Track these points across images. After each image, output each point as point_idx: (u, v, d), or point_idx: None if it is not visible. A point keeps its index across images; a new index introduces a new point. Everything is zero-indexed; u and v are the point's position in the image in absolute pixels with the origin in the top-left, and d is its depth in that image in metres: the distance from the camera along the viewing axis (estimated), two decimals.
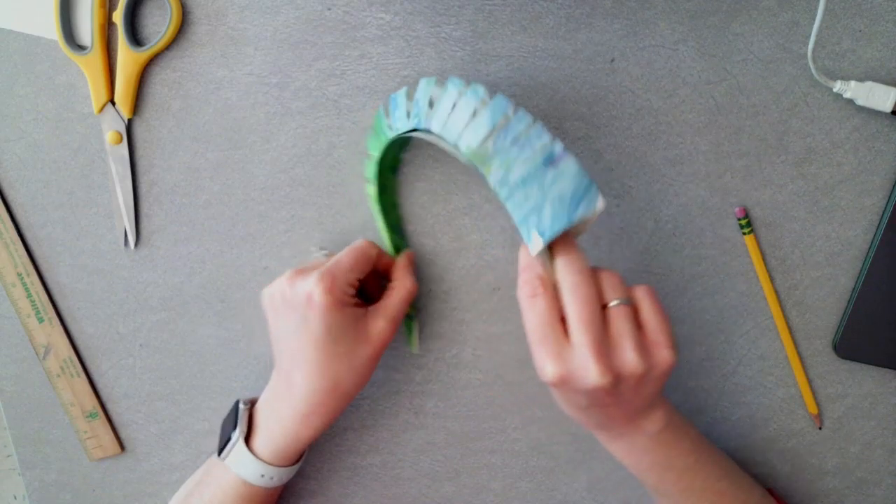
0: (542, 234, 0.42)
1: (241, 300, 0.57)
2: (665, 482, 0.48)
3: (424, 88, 0.47)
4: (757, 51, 0.53)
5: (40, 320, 0.57)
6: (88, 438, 0.58)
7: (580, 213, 0.42)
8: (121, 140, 0.55)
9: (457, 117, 0.44)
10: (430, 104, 0.46)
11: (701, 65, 0.53)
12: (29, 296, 0.57)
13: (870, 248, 0.53)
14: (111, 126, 0.55)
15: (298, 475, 0.58)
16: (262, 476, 0.50)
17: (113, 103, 0.55)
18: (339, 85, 0.54)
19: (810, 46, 0.50)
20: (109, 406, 0.58)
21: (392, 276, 0.53)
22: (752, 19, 0.53)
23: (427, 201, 0.55)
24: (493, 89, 0.53)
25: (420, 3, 0.54)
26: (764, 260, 0.54)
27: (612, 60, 0.54)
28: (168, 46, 0.54)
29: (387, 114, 0.49)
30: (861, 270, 0.53)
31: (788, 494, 0.57)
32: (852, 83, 0.51)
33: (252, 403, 0.52)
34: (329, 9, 0.54)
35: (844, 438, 0.56)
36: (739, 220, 0.54)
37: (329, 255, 0.54)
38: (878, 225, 0.53)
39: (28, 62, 0.55)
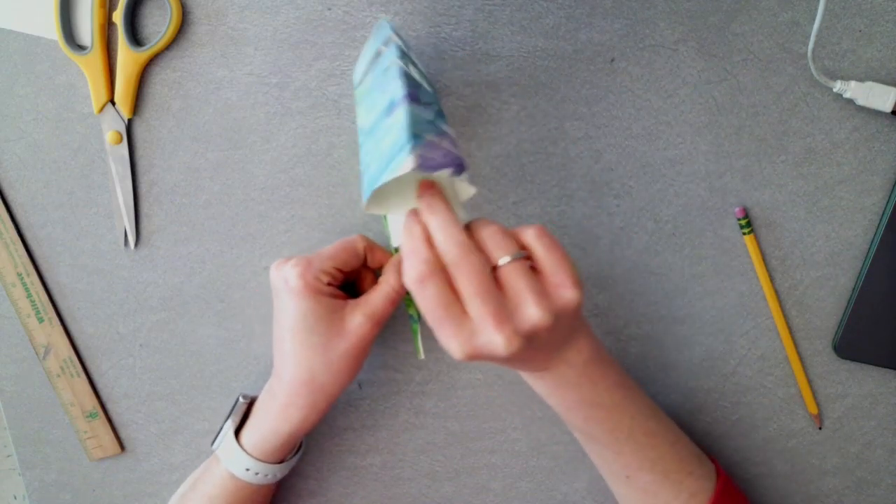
0: (363, 196, 0.37)
1: (241, 300, 0.57)
2: (592, 421, 0.46)
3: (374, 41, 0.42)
4: (757, 51, 0.53)
5: (40, 320, 0.57)
6: (88, 438, 0.58)
7: (386, 175, 0.37)
8: (121, 140, 0.55)
9: (363, 59, 0.39)
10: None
11: (701, 65, 0.53)
12: (29, 296, 0.57)
13: (870, 248, 0.53)
14: (111, 126, 0.55)
15: (298, 475, 0.58)
16: (248, 470, 0.50)
17: (113, 103, 0.55)
18: (339, 85, 0.54)
19: (810, 46, 0.50)
20: (109, 406, 0.58)
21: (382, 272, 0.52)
22: (752, 19, 0.53)
23: None
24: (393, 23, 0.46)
25: (420, 3, 0.54)
26: (764, 260, 0.54)
27: (612, 60, 0.54)
28: (168, 46, 0.54)
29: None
30: (861, 270, 0.53)
31: (788, 494, 0.57)
32: (852, 83, 0.51)
33: (252, 400, 0.53)
34: (329, 9, 0.54)
35: (844, 438, 0.56)
36: (739, 220, 0.54)
37: None
38: (878, 225, 0.53)
39: (28, 62, 0.55)
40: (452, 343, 0.39)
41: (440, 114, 0.41)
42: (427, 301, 0.39)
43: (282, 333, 0.49)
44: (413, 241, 0.40)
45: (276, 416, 0.50)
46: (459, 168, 0.39)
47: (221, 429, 0.52)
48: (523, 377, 0.47)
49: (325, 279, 0.48)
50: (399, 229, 0.44)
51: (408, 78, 0.38)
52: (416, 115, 0.37)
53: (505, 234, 0.40)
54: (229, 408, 0.56)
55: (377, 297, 0.49)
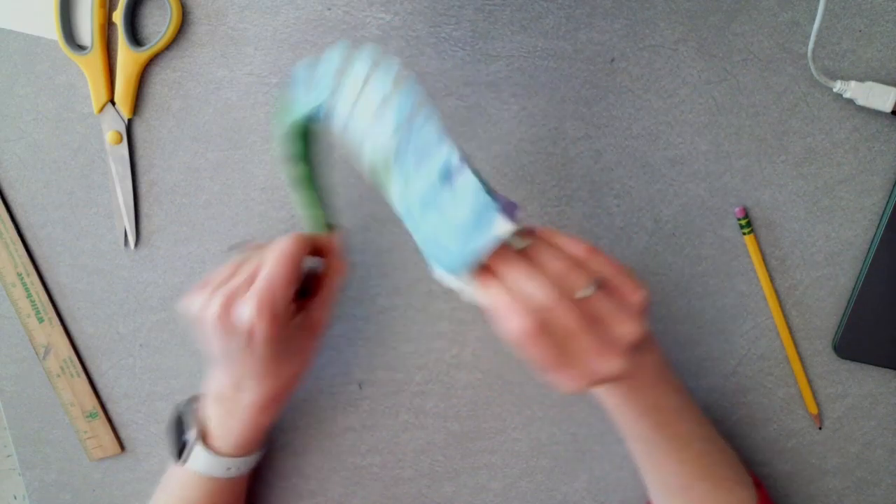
0: (449, 271, 0.37)
1: None
2: (659, 427, 0.47)
3: (333, 58, 0.39)
4: (757, 51, 0.53)
5: (40, 320, 0.57)
6: (88, 438, 0.58)
7: (478, 244, 0.36)
8: (121, 140, 0.55)
9: (364, 102, 0.37)
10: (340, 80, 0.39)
11: (701, 65, 0.53)
12: (29, 296, 0.57)
13: (870, 248, 0.53)
14: (111, 126, 0.55)
15: (298, 475, 0.58)
16: (229, 469, 0.50)
17: (113, 103, 0.55)
18: None
19: (810, 46, 0.50)
20: (109, 406, 0.58)
21: (325, 260, 0.50)
22: (752, 19, 0.53)
23: None
24: (404, 70, 0.45)
25: (420, 3, 0.54)
26: (764, 260, 0.54)
27: (612, 60, 0.54)
28: (168, 46, 0.54)
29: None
30: (861, 270, 0.53)
31: (788, 494, 0.57)
32: (852, 83, 0.51)
33: (193, 403, 0.51)
34: (329, 9, 0.54)
35: (844, 438, 0.56)
36: (739, 220, 0.54)
37: (241, 250, 0.48)
38: (878, 225, 0.53)
39: (28, 62, 0.55)
40: (571, 383, 0.40)
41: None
42: (539, 353, 0.40)
43: (245, 368, 0.47)
44: (503, 299, 0.39)
45: (256, 414, 0.49)
46: (515, 208, 0.39)
47: (183, 443, 0.50)
48: (597, 395, 0.48)
49: (292, 307, 0.47)
50: (466, 287, 0.41)
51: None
52: (477, 175, 0.37)
53: (572, 264, 0.41)
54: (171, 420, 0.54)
55: (330, 291, 0.50)
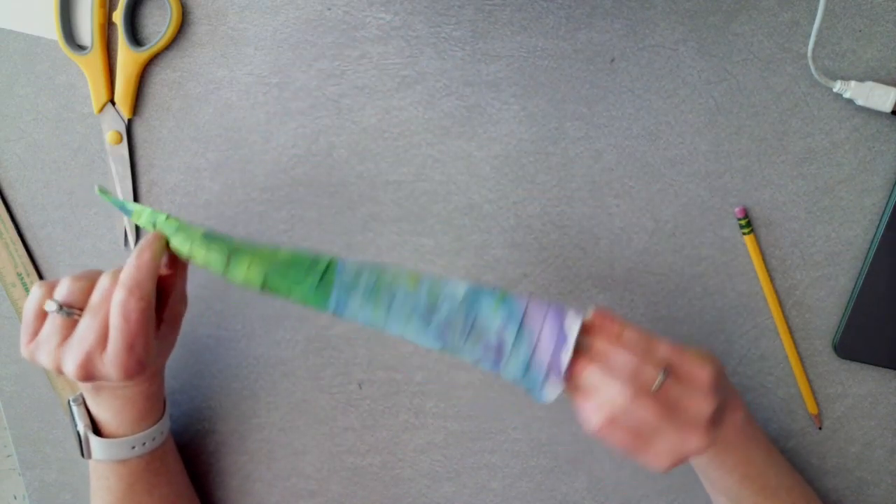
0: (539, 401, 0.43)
1: (240, 300, 0.57)
2: (746, 481, 0.48)
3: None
4: (757, 51, 0.53)
5: None
6: None
7: (543, 398, 0.43)
8: (121, 140, 0.55)
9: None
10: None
11: (701, 65, 0.53)
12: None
13: (870, 248, 0.53)
14: (111, 126, 0.55)
15: (298, 475, 0.58)
16: (133, 447, 0.49)
17: (113, 103, 0.55)
18: (339, 85, 0.55)
19: (810, 46, 0.50)
20: None
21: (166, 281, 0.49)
22: (752, 19, 0.53)
23: (427, 201, 0.55)
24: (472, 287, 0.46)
25: (420, 3, 0.54)
26: (764, 260, 0.54)
27: (612, 60, 0.54)
28: (168, 46, 0.54)
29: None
30: (861, 270, 0.53)
31: None
32: (852, 83, 0.51)
33: (81, 397, 0.50)
34: (329, 9, 0.54)
35: (844, 438, 0.56)
36: (739, 220, 0.54)
37: (65, 311, 0.45)
38: (878, 225, 0.53)
39: (28, 62, 0.55)
40: (657, 462, 0.42)
41: (504, 300, 0.43)
42: (619, 443, 0.42)
43: (103, 395, 0.48)
44: (585, 406, 0.42)
45: (133, 399, 0.48)
46: (562, 314, 0.43)
47: (79, 439, 0.49)
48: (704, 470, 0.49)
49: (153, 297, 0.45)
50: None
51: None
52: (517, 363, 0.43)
53: (639, 357, 0.42)
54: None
55: (172, 300, 0.49)
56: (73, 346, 0.44)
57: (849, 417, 0.55)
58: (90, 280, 0.45)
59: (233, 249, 0.44)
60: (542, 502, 0.57)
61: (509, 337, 0.42)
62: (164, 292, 0.48)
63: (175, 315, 0.50)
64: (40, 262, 0.57)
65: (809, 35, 0.52)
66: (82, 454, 0.49)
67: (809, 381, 0.55)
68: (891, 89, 0.51)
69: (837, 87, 0.51)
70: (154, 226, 0.46)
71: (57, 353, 0.44)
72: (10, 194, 0.56)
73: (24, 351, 0.45)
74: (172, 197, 0.56)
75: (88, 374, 0.44)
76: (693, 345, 0.56)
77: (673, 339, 0.55)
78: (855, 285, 0.54)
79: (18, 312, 0.57)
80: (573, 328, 0.42)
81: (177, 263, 0.48)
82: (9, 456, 1.37)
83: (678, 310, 0.55)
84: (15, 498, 1.38)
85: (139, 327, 0.43)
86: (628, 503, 0.57)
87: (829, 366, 0.55)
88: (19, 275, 0.56)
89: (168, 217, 0.46)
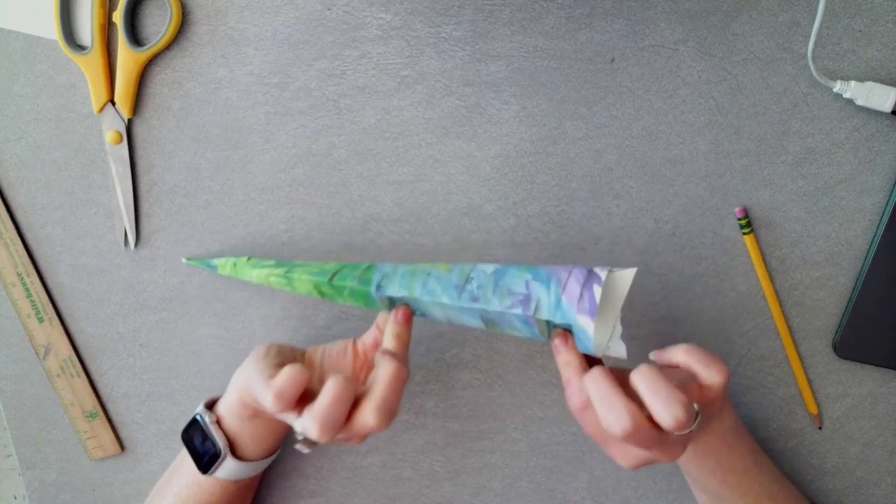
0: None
1: (241, 300, 0.57)
2: (725, 485, 0.49)
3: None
4: (757, 51, 0.53)
5: (40, 320, 0.57)
6: (88, 438, 0.58)
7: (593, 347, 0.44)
8: (121, 140, 0.55)
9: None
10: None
11: (701, 65, 0.53)
12: (29, 296, 0.57)
13: (870, 248, 0.53)
14: (111, 126, 0.55)
15: (298, 475, 0.58)
16: (255, 470, 0.51)
17: (113, 103, 0.55)
18: (339, 85, 0.55)
19: (810, 46, 0.50)
20: (109, 406, 0.58)
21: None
22: (752, 19, 0.53)
23: (427, 201, 0.55)
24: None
25: (420, 3, 0.54)
26: (764, 260, 0.54)
27: (612, 60, 0.54)
28: (168, 46, 0.54)
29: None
30: (861, 270, 0.53)
31: None
32: (852, 83, 0.51)
33: (211, 408, 0.50)
34: (329, 9, 0.54)
35: (844, 438, 0.56)
36: (739, 220, 0.54)
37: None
38: (878, 225, 0.53)
39: (28, 62, 0.55)
40: (622, 461, 0.43)
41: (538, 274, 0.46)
42: (592, 429, 0.43)
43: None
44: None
45: (279, 431, 0.50)
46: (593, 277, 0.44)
47: (212, 455, 0.48)
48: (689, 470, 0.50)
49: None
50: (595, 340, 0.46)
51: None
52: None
53: (664, 380, 0.41)
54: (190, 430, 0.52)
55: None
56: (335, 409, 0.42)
57: (849, 417, 0.55)
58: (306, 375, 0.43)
59: (290, 268, 0.51)
60: (542, 502, 0.57)
61: (537, 285, 0.44)
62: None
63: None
64: (40, 262, 0.57)
65: (809, 35, 0.52)
66: (204, 471, 0.49)
67: (809, 381, 0.55)
68: (891, 89, 0.51)
69: (837, 87, 0.51)
70: (235, 265, 0.53)
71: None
72: (10, 194, 0.56)
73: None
74: (172, 197, 0.56)
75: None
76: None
77: (683, 338, 0.54)
78: (855, 285, 0.54)
79: (18, 312, 0.57)
80: (602, 273, 0.44)
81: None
82: (9, 456, 1.37)
83: (678, 310, 0.55)
84: (15, 498, 1.38)
85: (399, 390, 0.43)
86: (628, 503, 0.57)
87: (829, 366, 0.55)
88: (19, 275, 0.56)
89: (248, 258, 0.54)
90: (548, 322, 0.44)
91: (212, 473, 0.49)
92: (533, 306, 0.44)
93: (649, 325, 0.55)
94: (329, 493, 0.58)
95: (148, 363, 0.58)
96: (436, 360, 0.57)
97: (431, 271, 0.47)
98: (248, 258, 0.54)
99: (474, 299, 0.45)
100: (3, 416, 0.58)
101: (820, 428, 0.56)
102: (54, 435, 0.58)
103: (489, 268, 0.47)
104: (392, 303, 0.48)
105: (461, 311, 0.46)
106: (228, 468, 0.49)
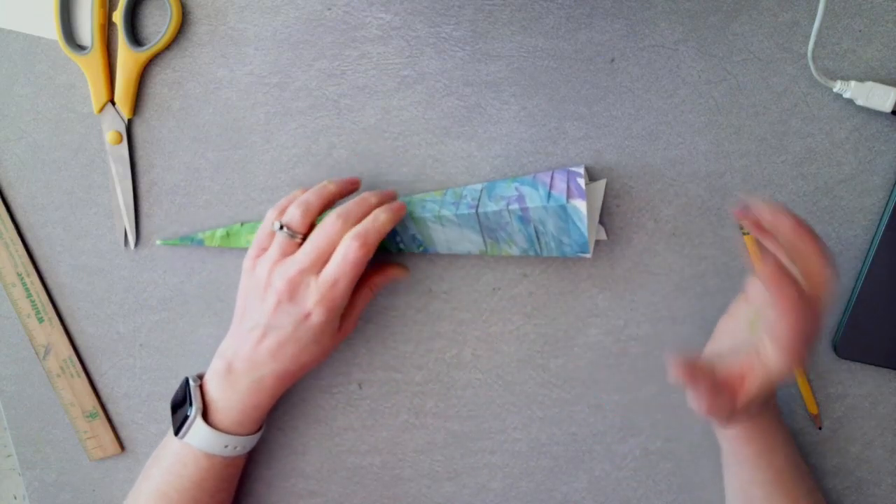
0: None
1: None
2: (761, 471, 0.50)
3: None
4: (757, 51, 0.53)
5: (40, 320, 0.57)
6: (88, 438, 0.58)
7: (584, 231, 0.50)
8: (121, 140, 0.55)
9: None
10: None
11: (701, 65, 0.53)
12: (29, 296, 0.57)
13: (870, 248, 0.53)
14: (111, 126, 0.55)
15: (298, 475, 0.58)
16: (226, 447, 0.50)
17: (113, 103, 0.55)
18: (339, 85, 0.55)
19: (810, 46, 0.50)
20: (109, 406, 0.58)
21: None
22: (752, 19, 0.53)
23: None
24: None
25: (420, 3, 0.54)
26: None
27: (612, 60, 0.54)
28: (168, 46, 0.54)
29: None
30: (861, 270, 0.53)
31: None
32: (852, 83, 0.51)
33: (201, 378, 0.52)
34: (329, 9, 0.54)
35: (844, 438, 0.56)
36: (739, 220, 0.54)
37: (290, 236, 0.49)
38: (878, 225, 0.53)
39: (28, 62, 0.55)
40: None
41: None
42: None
43: (280, 344, 0.48)
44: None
45: (259, 394, 0.50)
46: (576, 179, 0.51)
47: (184, 417, 0.50)
48: (732, 452, 0.51)
49: (345, 305, 0.49)
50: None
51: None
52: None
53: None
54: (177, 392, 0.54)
55: (356, 316, 0.53)
56: (289, 263, 0.48)
57: (849, 417, 0.55)
58: (310, 213, 0.49)
59: None
60: (542, 502, 0.57)
61: (526, 188, 0.51)
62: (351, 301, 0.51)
63: (343, 333, 0.52)
64: (40, 262, 0.57)
65: (809, 35, 0.52)
66: (176, 432, 0.50)
67: (809, 381, 0.55)
68: (891, 89, 0.51)
69: (837, 87, 0.51)
70: (228, 235, 0.55)
71: (273, 267, 0.48)
72: (10, 194, 0.56)
73: (247, 263, 0.50)
74: (172, 197, 0.56)
75: (292, 291, 0.47)
76: (693, 345, 0.56)
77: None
78: (855, 285, 0.54)
79: (18, 312, 0.57)
80: (579, 168, 0.51)
81: (381, 279, 0.53)
82: (9, 456, 1.37)
83: (678, 309, 0.55)
84: (15, 498, 1.38)
85: (354, 271, 0.47)
86: (628, 503, 0.57)
87: (829, 366, 0.55)
88: (19, 275, 0.56)
89: (242, 224, 0.55)
90: (538, 232, 0.50)
91: (182, 436, 0.50)
92: (527, 200, 0.50)
93: (649, 325, 0.55)
94: (329, 493, 0.58)
95: (148, 363, 0.58)
96: (436, 360, 0.57)
97: (426, 197, 0.52)
98: (242, 224, 0.55)
99: (471, 207, 0.51)
100: (3, 416, 0.59)
101: (820, 428, 0.56)
102: (54, 435, 0.58)
103: (478, 185, 0.52)
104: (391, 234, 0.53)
105: (461, 223, 0.51)
106: (200, 432, 0.49)
